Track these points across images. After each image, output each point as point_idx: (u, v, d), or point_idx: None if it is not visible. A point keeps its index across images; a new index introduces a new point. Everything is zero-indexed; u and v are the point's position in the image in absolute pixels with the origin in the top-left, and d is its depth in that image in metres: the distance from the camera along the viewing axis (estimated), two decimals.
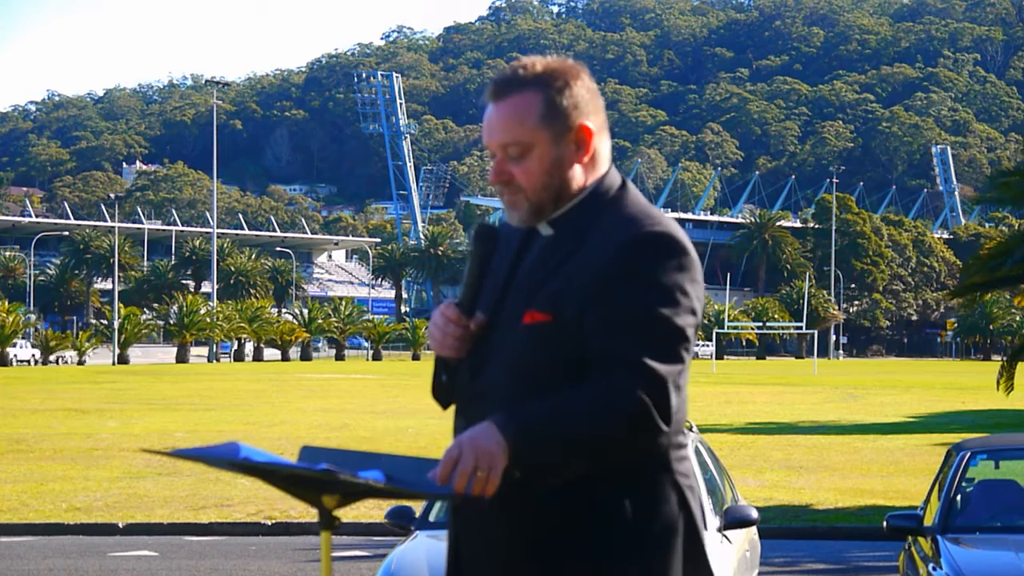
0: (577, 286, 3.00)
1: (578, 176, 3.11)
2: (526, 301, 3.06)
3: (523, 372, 3.04)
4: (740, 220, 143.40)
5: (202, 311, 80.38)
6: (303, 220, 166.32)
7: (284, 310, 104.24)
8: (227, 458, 2.82)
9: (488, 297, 3.16)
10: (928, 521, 8.59)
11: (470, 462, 2.84)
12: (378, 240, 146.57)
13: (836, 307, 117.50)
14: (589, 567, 2.99)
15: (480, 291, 3.15)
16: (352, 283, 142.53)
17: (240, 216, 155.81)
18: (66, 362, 76.03)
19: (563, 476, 2.94)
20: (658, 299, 2.96)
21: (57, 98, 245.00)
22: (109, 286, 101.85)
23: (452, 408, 3.29)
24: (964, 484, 8.82)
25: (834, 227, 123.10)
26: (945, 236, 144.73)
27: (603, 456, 2.94)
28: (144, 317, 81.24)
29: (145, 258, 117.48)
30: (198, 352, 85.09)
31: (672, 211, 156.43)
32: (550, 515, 2.99)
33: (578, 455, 2.91)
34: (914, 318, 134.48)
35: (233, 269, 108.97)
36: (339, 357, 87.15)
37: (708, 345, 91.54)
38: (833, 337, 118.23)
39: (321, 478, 2.78)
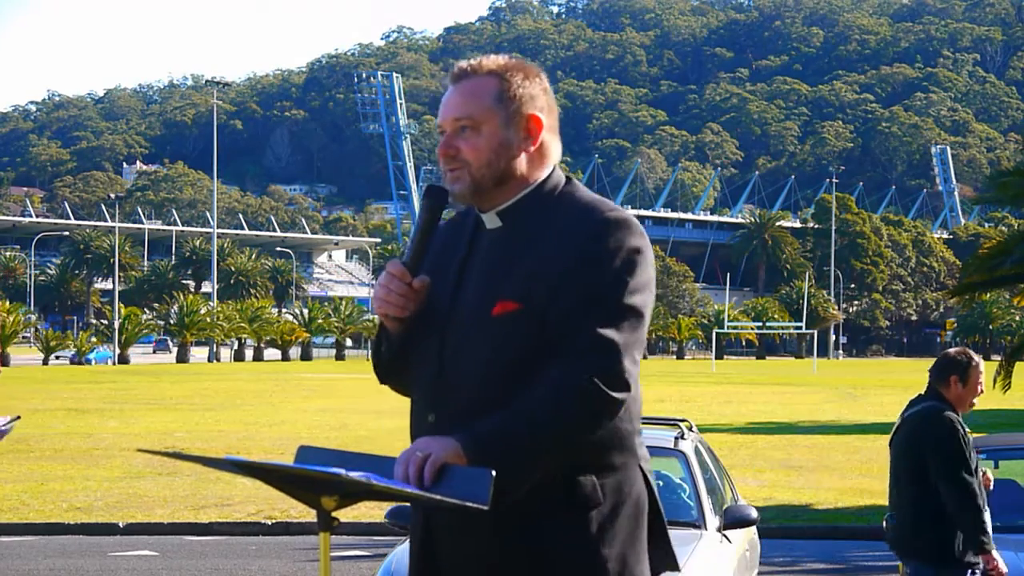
0: (545, 273, 3.10)
1: (523, 165, 3.22)
2: (492, 292, 3.14)
3: (498, 361, 3.10)
4: (740, 220, 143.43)
5: (202, 311, 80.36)
6: (303, 220, 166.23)
7: (284, 310, 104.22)
8: (226, 458, 2.84)
9: (442, 291, 3.21)
10: None
11: (412, 452, 2.98)
12: (378, 240, 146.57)
13: (836, 307, 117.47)
14: (568, 547, 3.08)
15: (427, 251, 3.21)
16: (352, 283, 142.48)
17: (240, 216, 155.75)
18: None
19: (535, 477, 3.01)
20: (618, 280, 3.08)
21: (57, 98, 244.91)
22: (109, 286, 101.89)
23: (384, 385, 3.41)
24: None
25: (834, 227, 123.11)
26: (945, 236, 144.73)
27: (565, 447, 3.03)
28: (144, 317, 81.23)
29: (145, 258, 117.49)
30: (198, 351, 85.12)
31: (672, 211, 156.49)
32: (526, 509, 3.06)
33: (535, 456, 2.99)
34: (914, 318, 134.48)
35: (233, 269, 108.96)
36: (339, 357, 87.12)
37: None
38: (833, 337, 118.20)
39: (321, 478, 2.79)
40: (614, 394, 3.02)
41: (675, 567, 3.25)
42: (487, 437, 2.97)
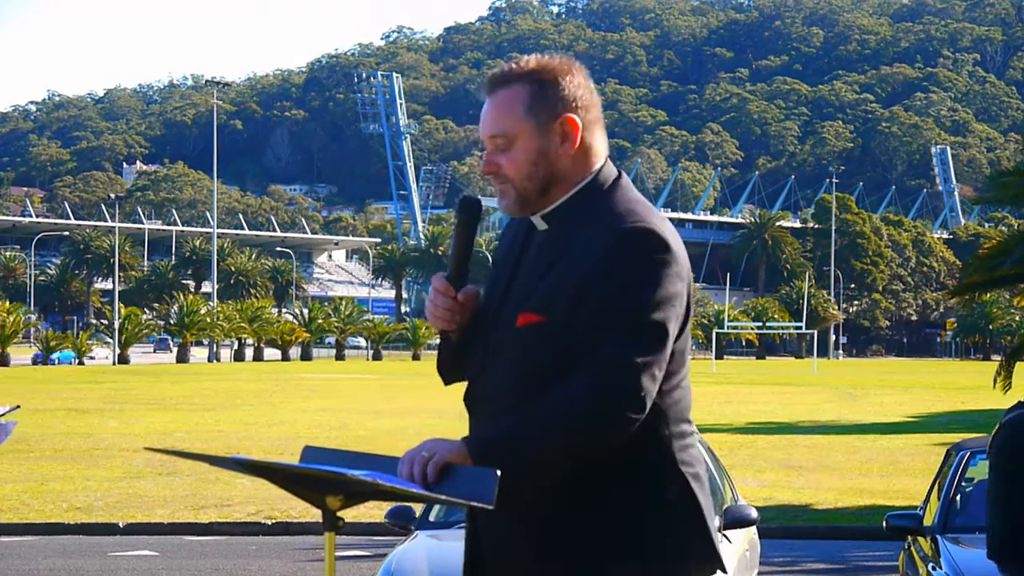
0: (566, 286, 3.07)
1: (566, 167, 3.17)
2: (521, 302, 3.13)
3: (522, 373, 3.10)
4: (740, 220, 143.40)
5: (202, 311, 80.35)
6: (303, 220, 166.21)
7: (284, 310, 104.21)
8: (232, 457, 2.85)
9: (493, 297, 3.22)
10: (928, 521, 8.60)
11: (418, 452, 2.99)
12: (378, 240, 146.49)
13: (836, 307, 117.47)
14: (596, 561, 3.07)
15: (467, 263, 3.21)
16: (352, 283, 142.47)
17: (240, 216, 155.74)
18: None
19: (540, 482, 3.02)
20: (637, 294, 3.03)
21: (57, 98, 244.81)
22: (109, 286, 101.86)
23: (450, 386, 3.43)
24: (964, 484, 8.82)
25: (834, 227, 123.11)
26: (945, 236, 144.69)
27: (571, 458, 3.01)
28: (144, 317, 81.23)
29: (145, 258, 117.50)
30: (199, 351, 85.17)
31: (672, 211, 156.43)
32: (556, 511, 3.08)
33: (539, 464, 2.99)
34: (914, 318, 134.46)
35: (233, 269, 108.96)
36: (339, 357, 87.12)
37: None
38: (833, 337, 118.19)
39: (326, 478, 2.80)
40: (627, 412, 2.99)
41: (722, 569, 3.20)
42: (493, 441, 2.98)
